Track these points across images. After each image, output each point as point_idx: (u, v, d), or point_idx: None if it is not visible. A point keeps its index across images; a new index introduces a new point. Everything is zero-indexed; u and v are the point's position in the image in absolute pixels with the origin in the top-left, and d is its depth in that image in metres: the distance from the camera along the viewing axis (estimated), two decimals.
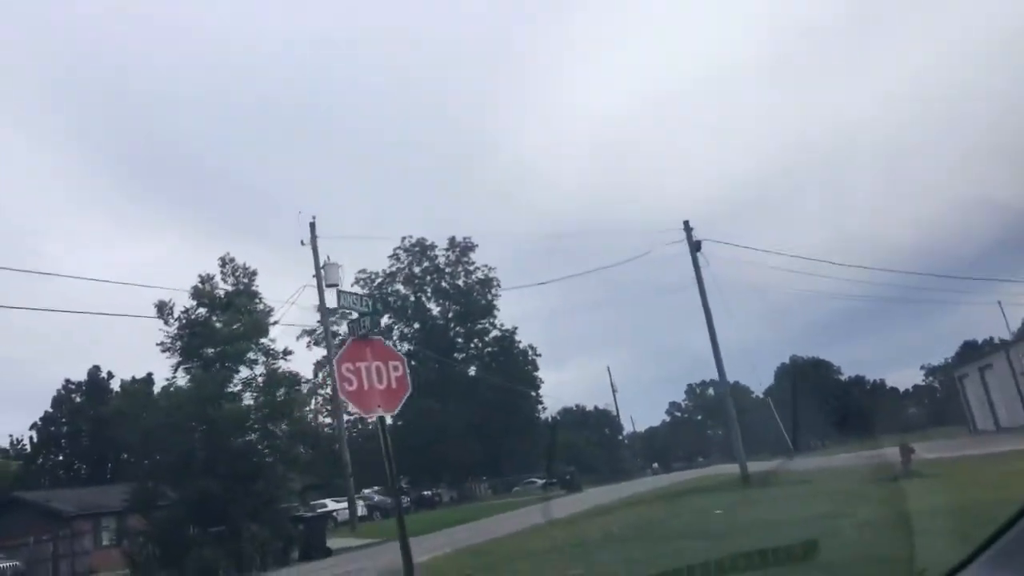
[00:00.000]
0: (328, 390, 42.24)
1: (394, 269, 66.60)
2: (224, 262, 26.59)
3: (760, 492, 21.69)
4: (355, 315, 8.05)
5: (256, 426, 24.97)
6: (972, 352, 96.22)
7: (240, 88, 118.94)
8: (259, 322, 25.91)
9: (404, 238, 65.62)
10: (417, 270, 66.80)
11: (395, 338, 67.12)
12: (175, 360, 25.61)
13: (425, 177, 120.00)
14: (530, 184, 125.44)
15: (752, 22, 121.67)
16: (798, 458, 38.20)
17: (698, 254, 26.95)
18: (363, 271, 62.35)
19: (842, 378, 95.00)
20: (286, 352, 26.48)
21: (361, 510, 37.69)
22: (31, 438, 56.32)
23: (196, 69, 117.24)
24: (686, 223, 27.58)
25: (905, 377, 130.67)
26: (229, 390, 25.37)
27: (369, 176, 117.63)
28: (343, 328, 51.02)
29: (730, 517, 15.85)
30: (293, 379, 26.54)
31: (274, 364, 26.40)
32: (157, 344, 25.43)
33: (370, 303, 8.07)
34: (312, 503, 36.10)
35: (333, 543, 25.45)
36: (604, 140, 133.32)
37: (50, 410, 55.99)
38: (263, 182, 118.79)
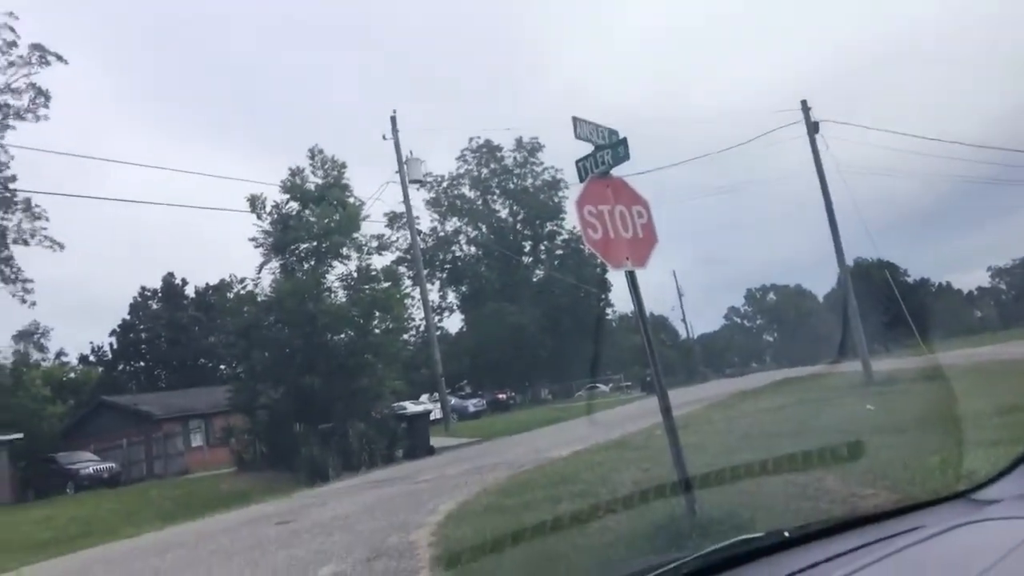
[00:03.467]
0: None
1: (461, 171, 65.16)
2: (313, 154, 25.46)
3: (894, 388, 19.98)
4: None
5: (357, 321, 24.16)
6: None
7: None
8: (353, 215, 24.86)
9: (472, 139, 63.88)
10: (485, 172, 65.10)
11: (462, 241, 66.34)
12: (267, 256, 24.94)
13: (490, 75, 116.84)
14: (600, 79, 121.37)
15: None
16: (885, 359, 36.39)
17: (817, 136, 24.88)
18: (428, 174, 61.11)
19: (909, 280, 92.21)
20: (381, 246, 25.46)
21: (437, 412, 37.19)
22: (111, 345, 57.34)
23: None
24: (803, 103, 25.34)
25: (970, 279, 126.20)
26: (324, 286, 24.61)
27: (433, 81, 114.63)
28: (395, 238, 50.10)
29: (894, 412, 14.33)
30: (391, 272, 25.60)
31: (368, 259, 25.52)
32: (249, 239, 24.70)
33: (608, 134, 6.54)
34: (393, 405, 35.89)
35: (432, 442, 25.08)
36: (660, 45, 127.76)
37: (127, 317, 56.75)
38: (320, 91, 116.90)
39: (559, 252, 65.40)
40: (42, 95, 37.45)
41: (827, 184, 24.97)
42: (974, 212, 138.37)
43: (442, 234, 65.55)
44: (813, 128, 25.29)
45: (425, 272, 48.29)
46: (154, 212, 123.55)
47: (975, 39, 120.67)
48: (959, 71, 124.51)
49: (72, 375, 51.95)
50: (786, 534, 2.00)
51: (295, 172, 25.10)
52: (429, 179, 59.28)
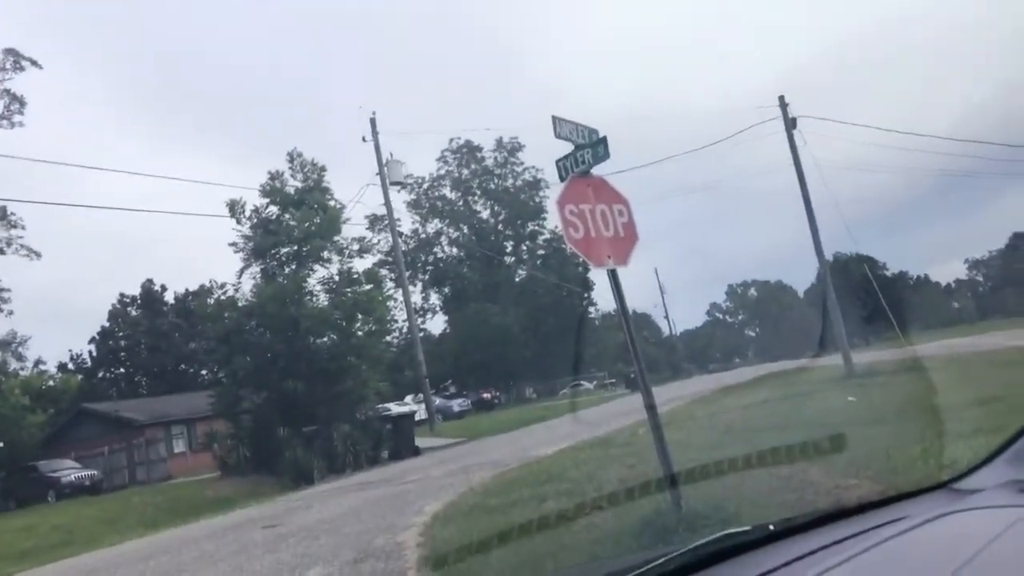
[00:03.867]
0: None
1: (442, 172, 65.01)
2: (292, 157, 25.36)
3: (875, 380, 20.13)
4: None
5: (339, 324, 24.10)
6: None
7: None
8: (333, 218, 24.80)
9: (452, 139, 63.76)
10: (465, 173, 65.04)
11: (444, 243, 66.21)
12: (247, 261, 24.83)
13: (468, 76, 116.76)
14: (580, 78, 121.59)
15: None
16: (865, 352, 36.69)
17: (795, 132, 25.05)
18: (409, 175, 60.99)
19: (887, 274, 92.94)
20: (363, 249, 25.39)
21: (422, 413, 37.07)
22: (90, 352, 56.78)
23: None
24: (781, 98, 25.54)
25: (948, 271, 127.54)
26: (306, 289, 24.53)
27: (410, 81, 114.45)
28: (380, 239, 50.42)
29: (875, 404, 14.44)
30: (373, 275, 25.54)
31: (349, 263, 25.46)
32: (229, 244, 24.55)
33: (588, 133, 6.55)
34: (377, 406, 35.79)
35: (417, 442, 25.05)
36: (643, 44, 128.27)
37: (107, 324, 56.20)
38: (294, 92, 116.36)
39: (541, 252, 65.44)
40: (17, 101, 37.01)
41: (805, 179, 25.20)
42: (951, 205, 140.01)
43: (424, 236, 65.45)
44: (791, 124, 25.46)
45: (407, 274, 48.35)
46: (132, 218, 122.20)
47: (952, 36, 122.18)
48: (934, 67, 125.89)
49: (51, 383, 51.43)
50: (771, 527, 2.01)
51: (274, 176, 25.02)
52: (410, 181, 59.05)
